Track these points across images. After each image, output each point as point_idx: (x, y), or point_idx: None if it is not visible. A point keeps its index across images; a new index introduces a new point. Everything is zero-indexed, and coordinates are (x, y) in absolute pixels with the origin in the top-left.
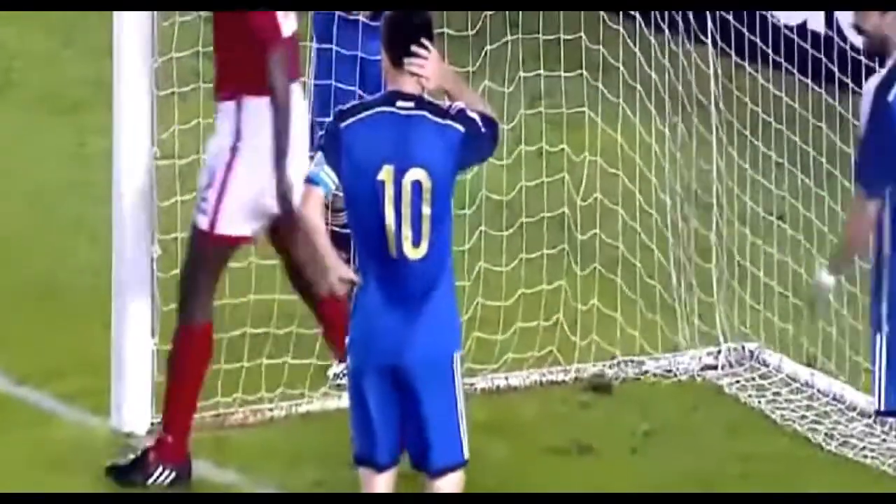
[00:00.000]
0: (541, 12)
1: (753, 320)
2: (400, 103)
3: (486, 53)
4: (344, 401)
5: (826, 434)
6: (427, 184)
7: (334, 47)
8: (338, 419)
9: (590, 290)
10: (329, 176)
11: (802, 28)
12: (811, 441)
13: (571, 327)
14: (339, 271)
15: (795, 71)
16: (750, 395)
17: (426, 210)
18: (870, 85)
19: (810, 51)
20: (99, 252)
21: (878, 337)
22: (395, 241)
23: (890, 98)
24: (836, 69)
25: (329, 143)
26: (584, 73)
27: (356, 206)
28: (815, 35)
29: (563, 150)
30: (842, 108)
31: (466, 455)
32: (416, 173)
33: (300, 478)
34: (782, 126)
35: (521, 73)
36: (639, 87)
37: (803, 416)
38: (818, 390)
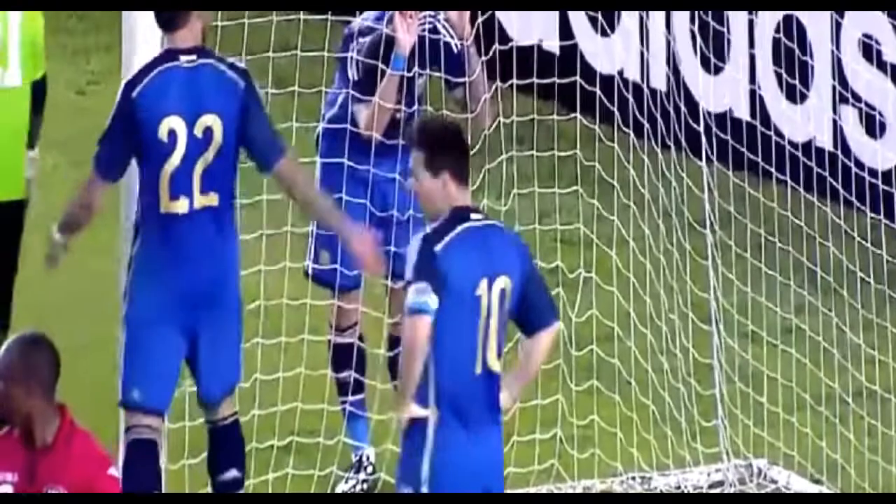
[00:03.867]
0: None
1: (759, 438)
2: (474, 216)
3: (485, 172)
4: None
5: None
6: (508, 289)
7: (346, 161)
8: None
9: (587, 405)
10: (433, 300)
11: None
12: None
13: (569, 441)
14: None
15: (801, 188)
16: None
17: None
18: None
19: (815, 168)
20: None
21: None
22: (482, 354)
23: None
24: (840, 187)
25: (426, 267)
26: (580, 189)
27: (451, 323)
28: (821, 152)
29: (558, 266)
30: (847, 225)
31: None
32: (502, 281)
33: None
34: (788, 245)
35: (517, 190)
36: (633, 206)
37: None
38: None
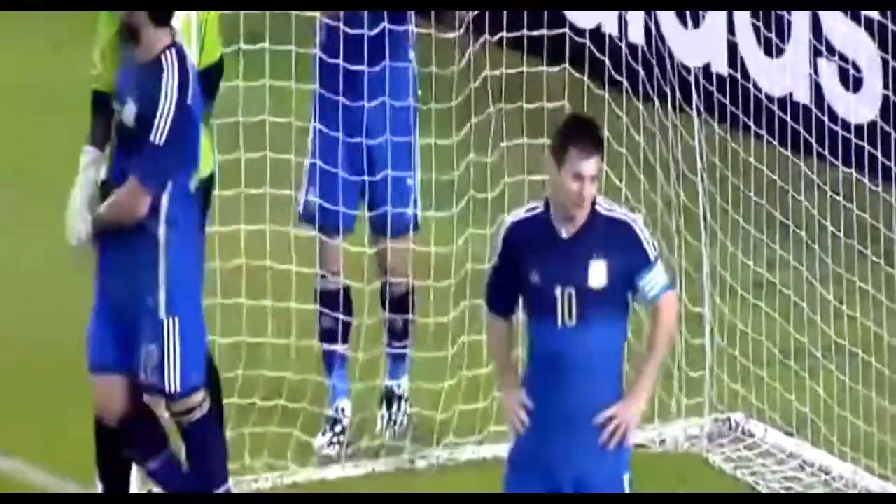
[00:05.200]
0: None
1: (733, 392)
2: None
3: (470, 125)
4: (329, 472)
5: None
6: None
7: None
8: (318, 489)
9: None
10: None
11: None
12: None
13: None
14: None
15: (777, 142)
16: (736, 467)
17: None
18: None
19: (791, 123)
20: None
21: None
22: None
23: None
24: (814, 141)
25: None
26: None
27: None
28: (797, 106)
29: None
30: (820, 179)
31: None
32: None
33: None
34: (762, 199)
35: (504, 143)
36: (625, 151)
37: (789, 488)
38: (804, 461)
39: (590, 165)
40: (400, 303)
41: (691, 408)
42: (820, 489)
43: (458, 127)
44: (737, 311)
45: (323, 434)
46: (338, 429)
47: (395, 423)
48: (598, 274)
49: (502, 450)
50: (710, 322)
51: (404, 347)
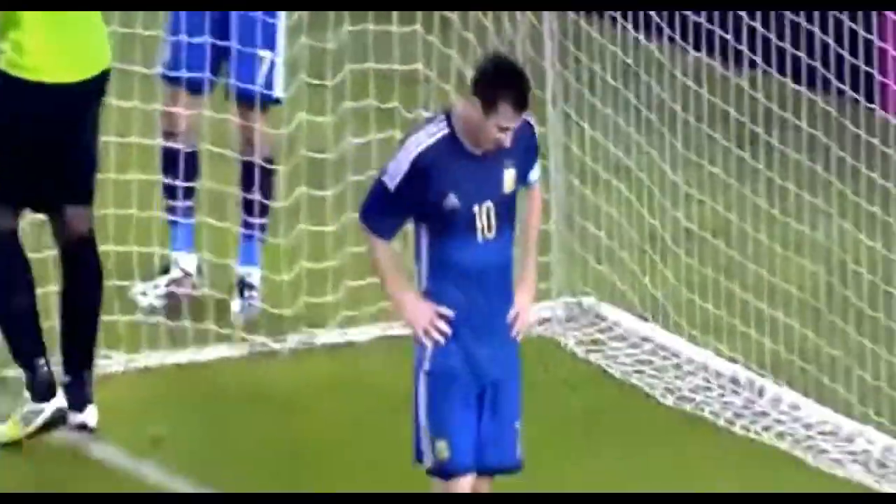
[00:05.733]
0: None
1: (591, 276)
2: None
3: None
4: (181, 356)
5: (665, 388)
6: None
7: None
8: (175, 374)
9: None
10: None
11: None
12: (650, 396)
13: None
14: None
15: (630, 26)
16: (588, 351)
17: None
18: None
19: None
20: None
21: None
22: None
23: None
24: (665, 24)
25: None
26: (419, 28)
27: None
28: None
29: (395, 107)
30: (671, 64)
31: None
32: None
33: (139, 434)
34: (618, 82)
35: (349, 27)
36: (472, 37)
37: (641, 371)
38: (656, 345)
39: (517, 119)
40: (248, 179)
41: (543, 292)
42: (671, 372)
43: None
44: (601, 194)
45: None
46: (165, 280)
47: (247, 309)
48: (509, 181)
49: (356, 334)
50: (562, 207)
51: (255, 229)
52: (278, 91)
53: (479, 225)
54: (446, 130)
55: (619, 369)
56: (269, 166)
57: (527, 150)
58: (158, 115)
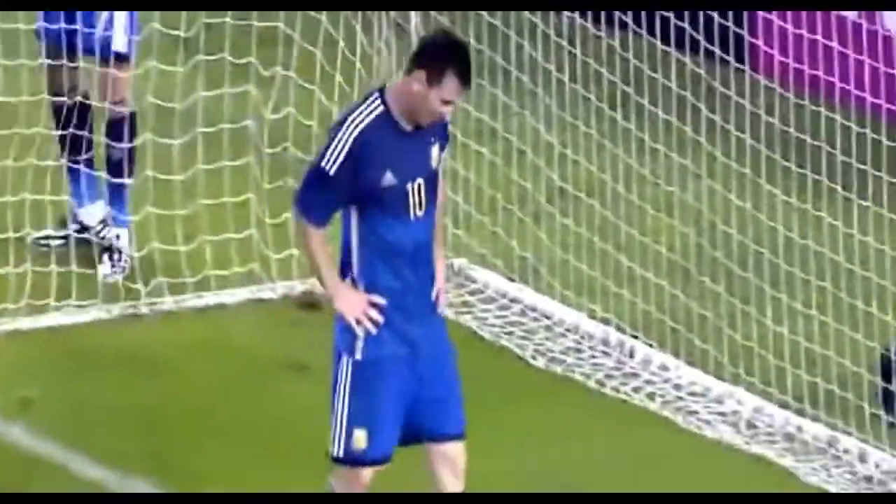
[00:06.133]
0: None
1: (457, 239)
2: None
3: None
4: (51, 319)
5: (535, 350)
6: None
7: None
8: (43, 337)
9: (280, 204)
10: None
11: None
12: (521, 358)
13: (264, 242)
14: None
15: None
16: (458, 313)
17: None
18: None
19: None
20: None
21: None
22: None
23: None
24: None
25: None
26: None
27: None
28: None
29: (250, 62)
30: (544, 25)
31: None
32: None
33: (8, 396)
34: (484, 46)
35: None
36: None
37: (511, 333)
38: (526, 306)
39: (461, 94)
40: (113, 130)
41: None
42: (542, 334)
43: None
44: (459, 159)
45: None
46: (62, 232)
47: (117, 269)
48: (435, 157)
49: (225, 297)
50: None
51: (120, 181)
52: (118, 45)
53: (411, 202)
54: (381, 108)
55: (490, 331)
56: (122, 112)
57: (443, 126)
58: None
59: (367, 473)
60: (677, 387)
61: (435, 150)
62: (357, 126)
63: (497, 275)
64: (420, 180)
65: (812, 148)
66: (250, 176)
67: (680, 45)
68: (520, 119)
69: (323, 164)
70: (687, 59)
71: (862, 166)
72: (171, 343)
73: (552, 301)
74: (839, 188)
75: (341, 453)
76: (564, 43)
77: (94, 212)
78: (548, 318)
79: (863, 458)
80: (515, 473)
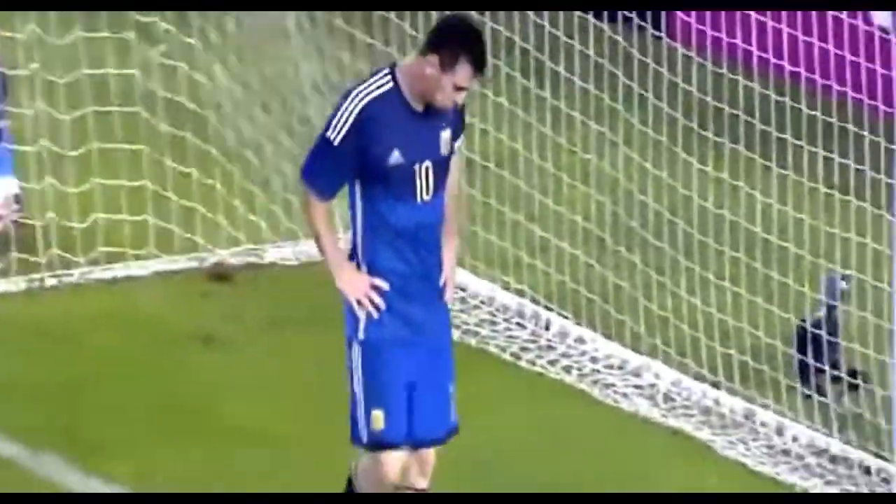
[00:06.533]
0: None
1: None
2: None
3: None
4: None
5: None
6: None
7: None
8: None
9: (186, 185)
10: None
11: None
12: None
13: (164, 217)
14: None
15: None
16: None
17: None
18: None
19: None
20: None
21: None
22: None
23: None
24: None
25: None
26: None
27: None
28: None
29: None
30: None
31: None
32: None
33: None
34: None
35: None
36: None
37: None
38: None
39: (475, 81)
40: None
41: None
42: (457, 306)
43: None
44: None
45: None
46: None
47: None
48: (446, 143)
49: (134, 269)
50: None
51: None
52: None
53: (418, 184)
54: (391, 84)
55: None
56: None
57: (458, 113)
58: None
59: (395, 458)
60: (594, 360)
61: (446, 134)
62: (362, 99)
63: None
64: (428, 163)
65: (730, 117)
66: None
67: (597, 13)
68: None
69: (328, 133)
70: (605, 26)
71: (781, 135)
72: (80, 315)
73: (465, 273)
74: (757, 157)
75: (364, 437)
76: (475, 13)
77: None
78: (462, 290)
79: (780, 432)
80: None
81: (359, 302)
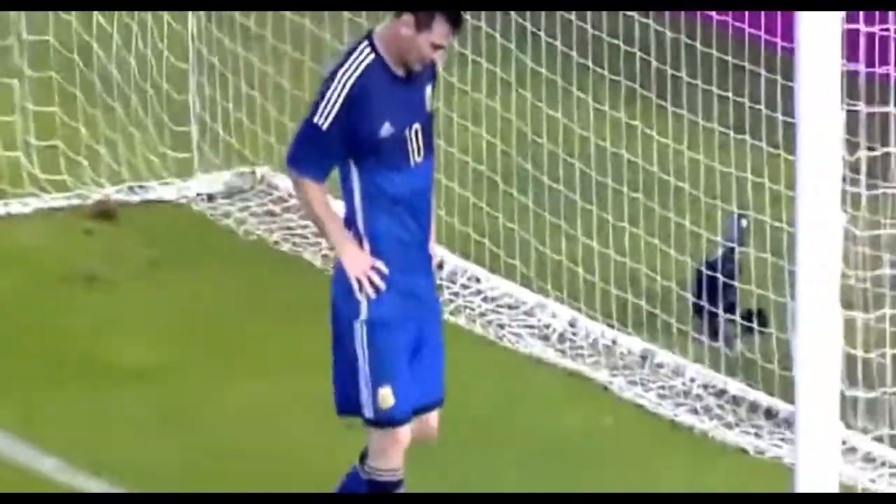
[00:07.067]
0: None
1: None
2: None
3: None
4: None
5: None
6: None
7: None
8: None
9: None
10: None
11: None
12: (324, 270)
13: (68, 151)
14: None
15: None
16: (261, 222)
17: None
18: None
19: None
20: None
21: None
22: None
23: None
24: None
25: None
26: None
27: None
28: None
29: None
30: None
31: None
32: None
33: None
34: None
35: None
36: None
37: (316, 244)
38: None
39: (452, 38)
40: None
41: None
42: None
43: None
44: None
45: None
46: None
47: None
48: (429, 100)
49: (15, 206)
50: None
51: None
52: None
53: (409, 149)
54: (372, 56)
55: (293, 241)
56: None
57: (433, 71)
58: None
59: (404, 432)
60: (487, 300)
61: (428, 91)
62: (349, 79)
63: None
64: (417, 126)
65: (626, 55)
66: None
67: None
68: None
69: (316, 119)
70: None
71: (676, 73)
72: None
73: None
74: (653, 97)
75: (373, 414)
76: None
77: None
78: None
79: (678, 372)
80: (322, 396)
81: (359, 281)
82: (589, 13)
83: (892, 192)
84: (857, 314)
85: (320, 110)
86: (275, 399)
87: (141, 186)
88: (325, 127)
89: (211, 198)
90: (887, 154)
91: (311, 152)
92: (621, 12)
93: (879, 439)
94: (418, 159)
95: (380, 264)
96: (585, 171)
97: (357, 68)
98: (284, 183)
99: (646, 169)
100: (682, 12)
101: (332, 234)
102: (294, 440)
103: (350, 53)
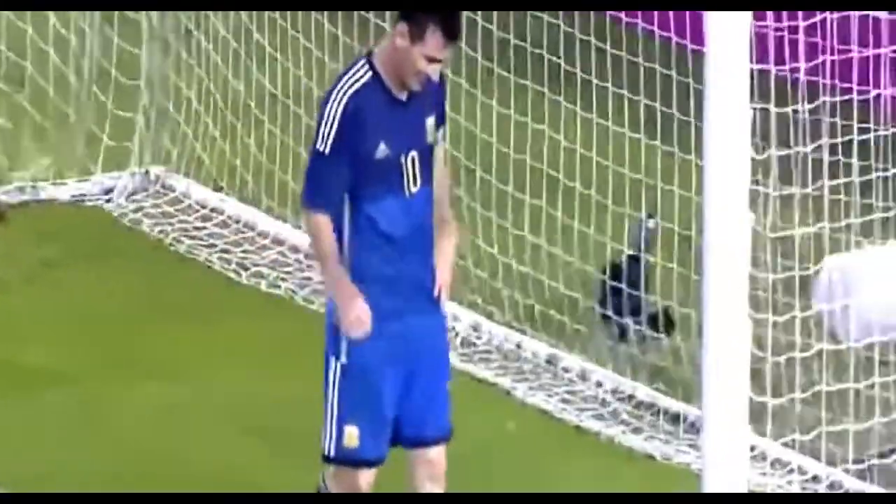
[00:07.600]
0: None
1: (175, 145)
2: None
3: None
4: None
5: (238, 264)
6: None
7: None
8: None
9: None
10: None
11: None
12: (223, 271)
13: None
14: None
15: None
16: (157, 223)
17: None
18: None
19: None
20: None
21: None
22: None
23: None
24: None
25: None
26: None
27: None
28: None
29: None
30: None
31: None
32: None
33: None
34: None
35: None
36: None
37: (213, 245)
38: (229, 216)
39: (447, 51)
40: None
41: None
42: (245, 246)
43: None
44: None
45: None
46: None
47: None
48: (430, 130)
49: None
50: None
51: None
52: None
53: (406, 175)
54: (370, 74)
55: (188, 242)
56: None
57: (439, 103)
58: None
59: (364, 476)
60: None
61: (430, 122)
62: (342, 98)
63: (199, 185)
64: (414, 153)
65: (533, 56)
66: None
67: None
68: (237, 21)
69: (318, 146)
70: None
71: (585, 76)
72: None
73: (257, 212)
74: (561, 100)
75: (333, 451)
76: None
77: None
78: (251, 229)
79: (584, 377)
80: (229, 394)
81: (349, 326)
82: (494, 14)
83: (802, 193)
84: (767, 317)
85: (321, 135)
86: (176, 399)
87: (32, 186)
88: (328, 151)
89: (108, 199)
90: (798, 154)
91: (321, 184)
92: (529, 13)
93: (789, 445)
94: (414, 189)
95: (367, 311)
96: (486, 177)
97: (353, 86)
98: (179, 184)
99: (550, 174)
100: (592, 13)
101: (331, 273)
102: (195, 441)
103: (346, 73)
